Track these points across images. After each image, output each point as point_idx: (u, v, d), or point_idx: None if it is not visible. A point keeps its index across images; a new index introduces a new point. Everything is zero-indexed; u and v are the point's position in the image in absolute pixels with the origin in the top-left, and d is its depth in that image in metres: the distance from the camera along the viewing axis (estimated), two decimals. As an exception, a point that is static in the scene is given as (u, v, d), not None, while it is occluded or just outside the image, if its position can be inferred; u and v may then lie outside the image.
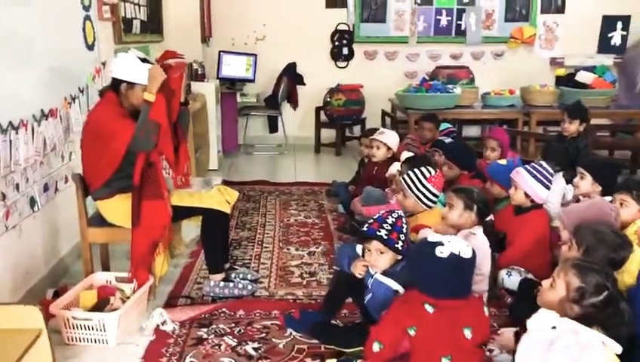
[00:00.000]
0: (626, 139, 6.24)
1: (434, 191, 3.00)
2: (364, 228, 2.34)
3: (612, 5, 5.69)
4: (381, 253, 2.30)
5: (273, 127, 7.16)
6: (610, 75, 6.42)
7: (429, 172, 3.03)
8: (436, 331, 1.92)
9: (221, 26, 6.87)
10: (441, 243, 1.93)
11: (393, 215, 2.33)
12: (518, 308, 2.59)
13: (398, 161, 3.76)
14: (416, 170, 3.03)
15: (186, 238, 3.60)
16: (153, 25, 5.24)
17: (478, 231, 2.74)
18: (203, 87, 5.65)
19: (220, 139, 6.14)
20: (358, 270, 2.37)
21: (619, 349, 1.56)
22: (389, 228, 2.27)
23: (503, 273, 2.82)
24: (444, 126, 4.56)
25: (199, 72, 5.81)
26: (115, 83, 2.70)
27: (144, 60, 2.71)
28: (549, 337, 1.50)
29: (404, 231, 2.31)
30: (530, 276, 2.79)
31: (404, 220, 2.34)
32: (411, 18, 6.23)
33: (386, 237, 2.26)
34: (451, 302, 1.95)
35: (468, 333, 1.95)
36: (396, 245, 2.27)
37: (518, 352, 1.56)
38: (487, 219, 2.94)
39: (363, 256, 2.42)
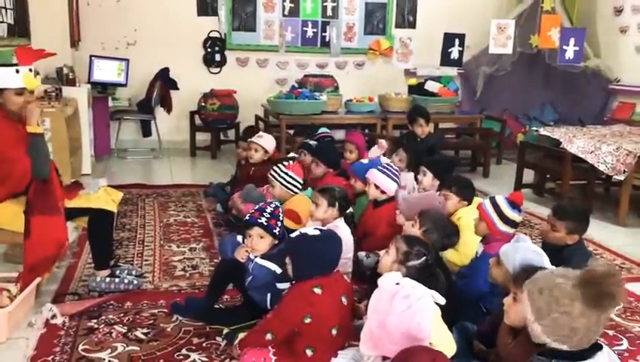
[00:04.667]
0: (468, 140, 7.16)
1: (294, 176, 3.52)
2: (247, 217, 2.68)
3: (451, 24, 6.57)
4: (261, 237, 2.66)
5: (146, 131, 7.21)
6: (454, 84, 7.33)
7: (288, 161, 3.59)
8: (327, 308, 2.29)
9: (90, 30, 6.82)
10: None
11: (271, 205, 2.71)
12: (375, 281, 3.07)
13: (274, 163, 4.15)
14: (278, 164, 3.57)
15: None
16: (20, 28, 5.14)
17: (340, 223, 3.19)
18: (74, 92, 5.63)
19: (92, 143, 6.11)
20: (241, 255, 2.70)
21: (442, 301, 2.04)
22: (269, 216, 2.64)
23: (362, 254, 3.29)
24: (322, 130, 5.00)
25: (70, 77, 5.77)
26: None
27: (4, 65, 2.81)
28: (393, 289, 1.94)
29: (281, 218, 2.70)
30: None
31: (280, 210, 2.72)
32: (280, 29, 6.65)
33: (266, 224, 2.63)
34: (328, 277, 2.35)
35: (344, 300, 2.37)
36: (274, 230, 2.64)
37: (370, 302, 1.98)
38: (347, 211, 3.40)
39: (244, 243, 2.75)
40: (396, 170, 3.54)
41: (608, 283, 1.57)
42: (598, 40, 7.40)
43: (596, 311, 1.60)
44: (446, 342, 2.08)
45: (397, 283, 2.00)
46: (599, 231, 4.41)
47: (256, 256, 2.68)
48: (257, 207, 2.75)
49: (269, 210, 2.70)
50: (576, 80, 7.45)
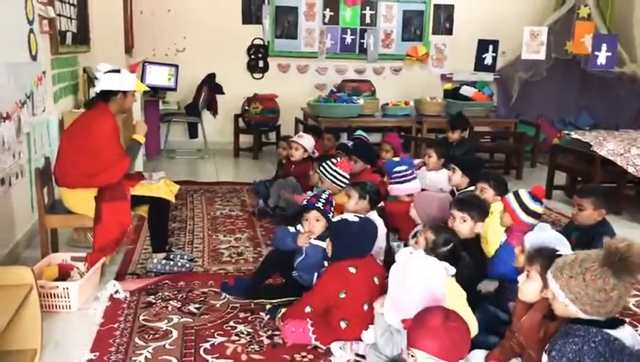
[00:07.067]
0: (502, 144, 7.32)
1: (342, 173, 3.84)
2: (305, 202, 3.06)
3: (487, 31, 6.78)
4: (317, 220, 3.00)
5: (193, 132, 7.62)
6: (489, 89, 7.49)
7: (336, 159, 3.92)
8: (359, 286, 2.58)
9: (143, 37, 7.29)
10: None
11: (325, 193, 3.09)
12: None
13: (313, 161, 4.48)
14: (327, 160, 3.91)
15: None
16: (81, 36, 5.61)
17: (374, 215, 3.46)
18: (129, 95, 6.06)
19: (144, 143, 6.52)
20: (303, 241, 3.02)
21: (453, 271, 2.31)
22: (324, 201, 3.01)
23: (394, 245, 3.55)
24: (358, 132, 5.30)
25: (125, 81, 6.20)
26: (107, 94, 3.29)
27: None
28: (407, 258, 2.23)
29: (333, 204, 3.07)
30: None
31: (332, 197, 3.13)
32: (320, 37, 6.97)
33: (322, 208, 2.97)
34: (363, 259, 2.64)
35: (376, 280, 2.65)
36: (328, 214, 2.99)
37: (390, 274, 2.26)
38: (379, 205, 3.66)
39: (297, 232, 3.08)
40: (406, 172, 3.89)
41: (633, 254, 1.75)
42: (635, 45, 7.45)
43: (626, 280, 1.80)
44: (469, 323, 2.33)
45: (410, 253, 2.29)
46: (629, 233, 4.51)
47: (310, 238, 3.01)
48: (313, 193, 3.13)
49: (324, 196, 3.07)
50: (612, 85, 7.51)
